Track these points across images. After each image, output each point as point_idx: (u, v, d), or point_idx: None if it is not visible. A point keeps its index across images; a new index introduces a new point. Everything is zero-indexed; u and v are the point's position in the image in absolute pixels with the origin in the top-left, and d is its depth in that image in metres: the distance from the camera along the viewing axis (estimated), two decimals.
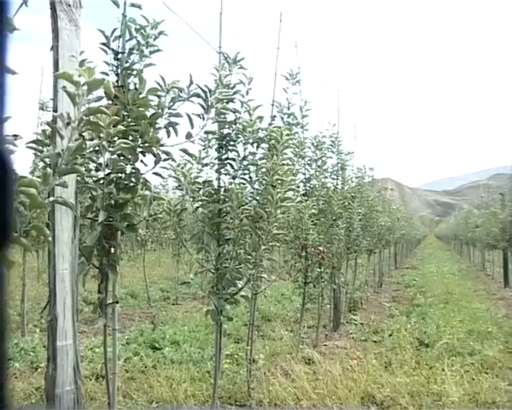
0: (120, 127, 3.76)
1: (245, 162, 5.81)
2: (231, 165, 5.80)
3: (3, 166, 1.01)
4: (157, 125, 4.19)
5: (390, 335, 10.41)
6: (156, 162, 4.19)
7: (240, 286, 5.68)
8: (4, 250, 1.03)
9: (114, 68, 4.30)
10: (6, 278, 1.06)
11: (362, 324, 12.34)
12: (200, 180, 5.64)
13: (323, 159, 9.91)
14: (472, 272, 29.81)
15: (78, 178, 3.77)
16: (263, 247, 5.84)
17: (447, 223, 71.59)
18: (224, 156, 5.78)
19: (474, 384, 7.32)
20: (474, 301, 16.52)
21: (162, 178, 4.47)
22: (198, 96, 4.68)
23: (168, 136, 4.27)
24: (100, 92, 3.35)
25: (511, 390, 7.16)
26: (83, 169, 3.37)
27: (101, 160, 3.83)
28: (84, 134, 3.36)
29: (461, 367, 8.05)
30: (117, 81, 4.24)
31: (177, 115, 4.32)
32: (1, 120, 1.04)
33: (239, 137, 5.77)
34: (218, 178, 5.81)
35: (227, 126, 5.73)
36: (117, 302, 4.26)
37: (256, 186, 5.96)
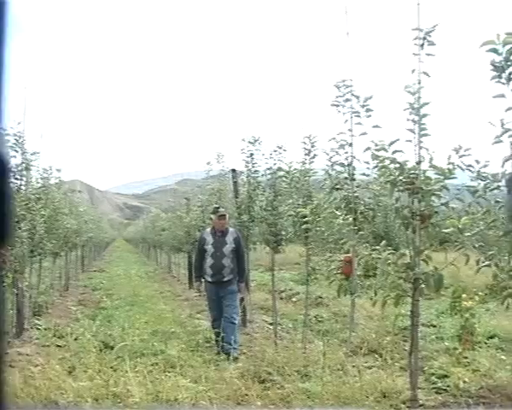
0: None
1: None
2: None
3: (2, 168, 1.01)
4: None
5: (75, 339, 10.23)
6: None
7: None
8: (2, 251, 0.95)
9: None
10: (4, 280, 0.93)
11: (46, 329, 12.01)
12: None
13: None
14: (159, 274, 30.53)
15: None
16: None
17: (136, 226, 72.28)
18: None
19: (157, 383, 7.43)
20: (159, 303, 16.86)
21: None
22: None
23: None
24: None
25: (191, 387, 7.40)
26: None
27: None
28: None
29: (144, 368, 8.12)
30: None
31: None
32: (1, 122, 1.04)
33: None
34: None
35: None
36: None
37: None
